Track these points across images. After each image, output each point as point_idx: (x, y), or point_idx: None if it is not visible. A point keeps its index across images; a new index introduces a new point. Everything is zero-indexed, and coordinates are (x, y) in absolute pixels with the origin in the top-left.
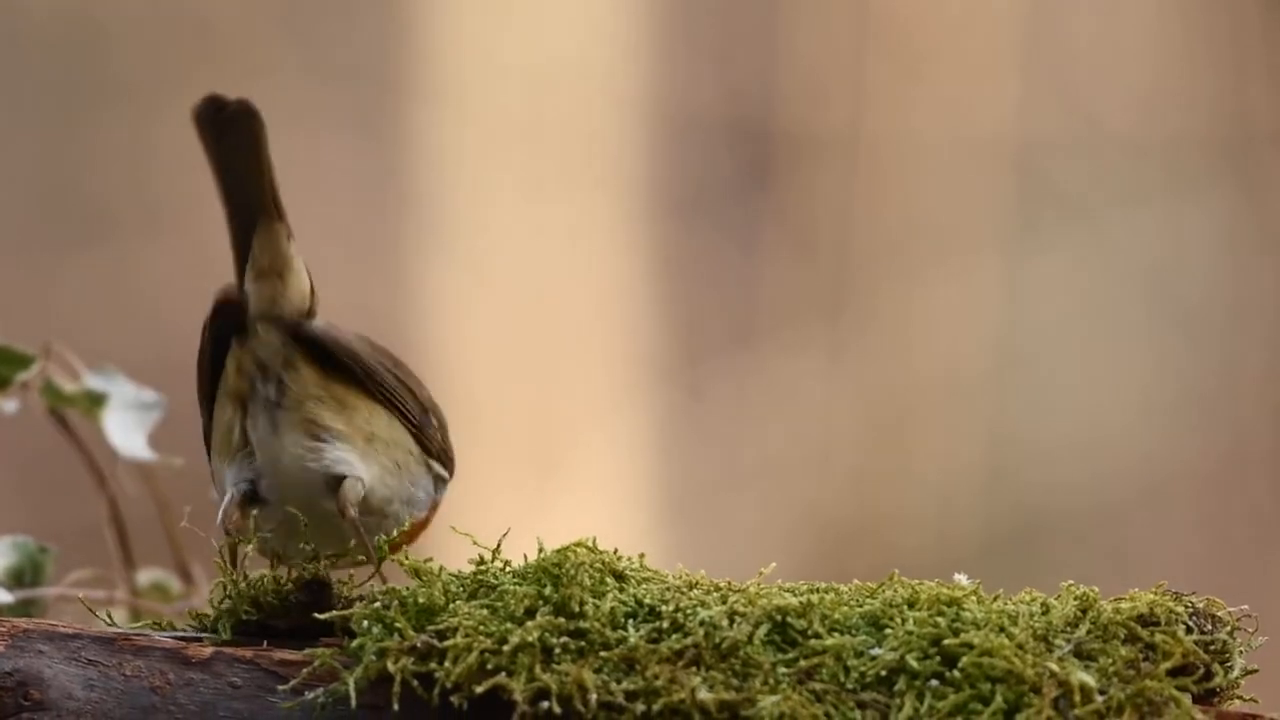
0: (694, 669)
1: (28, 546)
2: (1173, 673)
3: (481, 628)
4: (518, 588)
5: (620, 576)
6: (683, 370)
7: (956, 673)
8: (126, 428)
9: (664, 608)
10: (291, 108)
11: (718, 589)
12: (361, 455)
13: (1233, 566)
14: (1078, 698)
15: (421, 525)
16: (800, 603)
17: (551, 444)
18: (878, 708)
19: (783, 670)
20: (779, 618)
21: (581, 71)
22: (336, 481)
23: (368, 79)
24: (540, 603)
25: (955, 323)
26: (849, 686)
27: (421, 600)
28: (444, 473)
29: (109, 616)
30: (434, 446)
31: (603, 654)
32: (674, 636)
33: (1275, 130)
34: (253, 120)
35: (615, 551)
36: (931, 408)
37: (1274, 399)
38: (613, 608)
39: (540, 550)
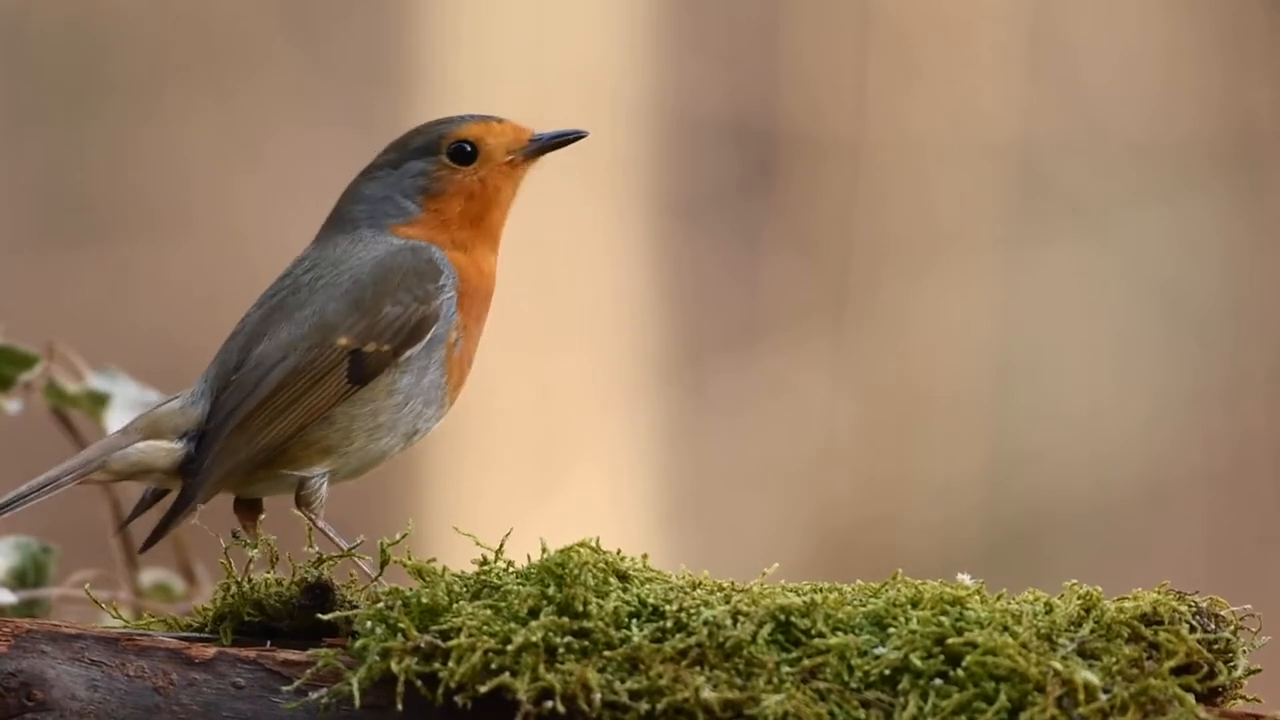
0: (698, 668)
1: (30, 547)
2: (1176, 671)
3: (485, 628)
4: (521, 588)
5: (624, 576)
6: (686, 370)
7: (960, 671)
8: None
9: (667, 607)
10: (291, 105)
11: (721, 589)
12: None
13: (1236, 566)
14: (1081, 696)
15: (458, 366)
16: (804, 602)
17: (554, 444)
18: (881, 706)
19: (786, 669)
20: (782, 617)
21: (585, 73)
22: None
23: (368, 77)
24: (544, 603)
25: (958, 323)
26: (853, 685)
27: (425, 601)
28: (412, 349)
29: (115, 611)
30: (372, 362)
31: (606, 653)
32: (678, 636)
33: None
34: None
35: (618, 551)
36: (935, 408)
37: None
38: (616, 607)
39: (543, 550)
